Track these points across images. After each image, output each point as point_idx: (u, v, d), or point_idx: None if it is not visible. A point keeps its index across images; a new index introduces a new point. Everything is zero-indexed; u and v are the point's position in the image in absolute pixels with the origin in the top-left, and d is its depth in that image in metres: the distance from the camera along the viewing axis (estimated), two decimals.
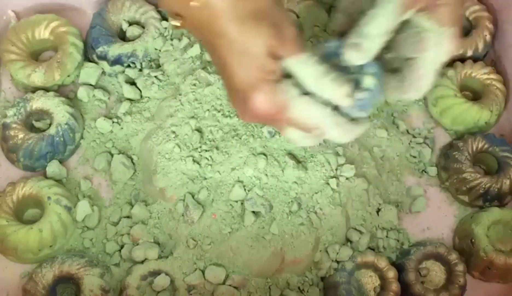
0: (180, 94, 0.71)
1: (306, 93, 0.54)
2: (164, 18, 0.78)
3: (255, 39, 0.50)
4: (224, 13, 0.50)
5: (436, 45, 0.55)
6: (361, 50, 0.53)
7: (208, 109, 0.69)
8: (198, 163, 0.67)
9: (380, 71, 0.55)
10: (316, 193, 0.66)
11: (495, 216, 0.68)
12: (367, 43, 0.53)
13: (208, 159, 0.67)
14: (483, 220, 0.68)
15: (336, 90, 0.53)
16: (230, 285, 0.64)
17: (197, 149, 0.67)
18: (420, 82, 0.56)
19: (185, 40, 0.75)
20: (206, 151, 0.67)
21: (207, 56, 0.73)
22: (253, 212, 0.65)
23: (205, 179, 0.66)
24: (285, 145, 0.67)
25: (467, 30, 0.80)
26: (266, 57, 0.51)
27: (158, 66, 0.75)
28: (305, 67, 0.53)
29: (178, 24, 0.52)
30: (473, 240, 0.67)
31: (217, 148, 0.67)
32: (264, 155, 0.66)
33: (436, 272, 0.67)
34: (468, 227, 0.69)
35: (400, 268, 0.66)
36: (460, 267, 0.66)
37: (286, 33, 0.52)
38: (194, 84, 0.71)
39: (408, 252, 0.67)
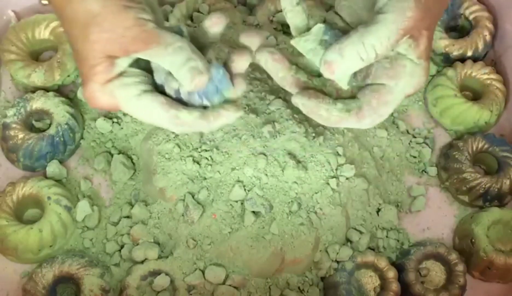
0: None
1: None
2: (165, 18, 0.78)
3: (90, 44, 0.52)
4: (73, 15, 0.52)
5: (410, 76, 0.53)
6: (335, 71, 0.51)
7: None
8: (198, 163, 0.66)
9: (223, 70, 0.55)
10: (316, 193, 0.66)
11: (495, 216, 0.68)
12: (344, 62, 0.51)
13: (208, 159, 0.66)
14: (483, 220, 0.68)
15: (187, 79, 0.53)
16: (230, 285, 0.64)
17: (197, 148, 0.67)
18: (383, 109, 0.53)
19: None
20: (206, 150, 0.67)
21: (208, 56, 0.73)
22: (253, 212, 0.65)
23: (205, 179, 0.66)
24: (285, 145, 0.67)
25: (467, 30, 0.80)
26: (100, 59, 0.52)
27: None
28: (158, 60, 0.53)
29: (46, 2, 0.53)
30: (473, 240, 0.67)
31: (217, 148, 0.67)
32: (264, 154, 0.66)
33: (436, 272, 0.67)
34: (468, 227, 0.69)
35: (400, 268, 0.66)
36: (460, 267, 0.66)
37: (127, 34, 0.52)
38: None
39: (408, 252, 0.67)
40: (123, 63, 0.53)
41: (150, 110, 0.54)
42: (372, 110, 0.53)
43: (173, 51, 0.53)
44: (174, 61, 0.53)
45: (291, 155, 0.67)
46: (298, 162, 0.66)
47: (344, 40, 0.51)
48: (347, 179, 0.67)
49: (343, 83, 0.54)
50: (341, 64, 0.51)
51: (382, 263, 0.65)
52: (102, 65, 0.52)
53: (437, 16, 0.53)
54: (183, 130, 0.55)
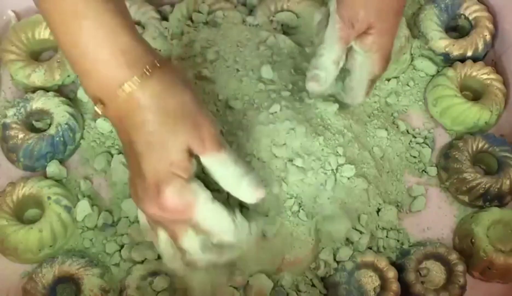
0: None
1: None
2: (164, 18, 0.78)
3: (175, 135, 0.51)
4: (148, 105, 0.51)
5: (361, 66, 0.66)
6: (319, 80, 0.64)
7: (208, 109, 0.69)
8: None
9: None
10: (316, 193, 0.66)
11: (495, 216, 0.68)
12: (323, 73, 0.64)
13: None
14: (483, 220, 0.68)
15: (249, 193, 0.55)
16: (230, 285, 0.64)
17: None
18: (352, 93, 0.68)
19: (185, 40, 0.75)
20: None
21: (209, 56, 0.73)
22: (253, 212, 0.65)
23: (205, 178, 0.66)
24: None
25: (467, 30, 0.80)
26: (183, 154, 0.52)
27: None
28: (223, 166, 0.54)
29: (99, 111, 0.52)
30: (473, 240, 0.67)
31: None
32: None
33: (436, 272, 0.67)
34: (468, 227, 0.69)
35: (400, 268, 0.66)
36: (460, 267, 0.66)
37: (206, 132, 0.53)
38: (195, 83, 0.71)
39: (408, 252, 0.67)
40: (195, 164, 0.53)
41: (220, 216, 0.54)
42: (346, 93, 0.69)
43: (236, 161, 0.53)
44: (236, 172, 0.53)
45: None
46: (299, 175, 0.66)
47: (315, 59, 0.65)
48: (347, 179, 0.67)
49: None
50: (319, 72, 0.65)
51: (382, 263, 0.65)
52: (186, 160, 0.52)
53: (381, 11, 0.63)
54: (225, 257, 0.57)
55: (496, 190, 0.70)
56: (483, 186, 0.70)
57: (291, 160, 0.65)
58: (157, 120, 0.51)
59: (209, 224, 0.54)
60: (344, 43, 0.64)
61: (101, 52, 0.50)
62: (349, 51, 0.65)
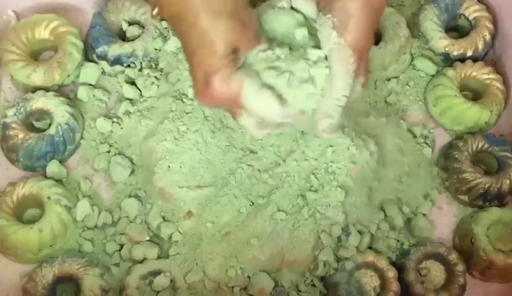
0: (180, 94, 0.71)
1: None
2: (164, 18, 0.78)
3: (224, 32, 0.55)
4: (199, 3, 0.55)
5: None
6: (334, 130, 0.62)
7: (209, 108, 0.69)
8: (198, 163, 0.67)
9: None
10: (316, 193, 0.66)
11: (495, 216, 0.68)
12: (336, 119, 0.62)
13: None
14: (483, 220, 0.68)
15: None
16: (230, 286, 0.64)
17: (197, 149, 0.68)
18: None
19: None
20: (206, 150, 0.67)
21: None
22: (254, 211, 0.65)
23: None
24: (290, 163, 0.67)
25: (467, 30, 0.80)
26: (229, 49, 0.56)
27: (158, 66, 0.75)
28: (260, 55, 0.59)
29: (155, 12, 0.57)
30: (473, 240, 0.67)
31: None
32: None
33: (436, 272, 0.67)
34: (468, 227, 0.69)
35: (400, 268, 0.66)
36: (460, 267, 0.66)
37: (251, 32, 0.58)
38: None
39: (408, 252, 0.67)
40: (241, 59, 0.58)
41: (268, 104, 0.58)
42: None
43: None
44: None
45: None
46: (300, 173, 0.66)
47: (328, 107, 0.61)
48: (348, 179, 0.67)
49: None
50: (335, 122, 0.62)
51: (382, 263, 0.65)
52: (232, 55, 0.56)
53: (372, 34, 0.60)
54: (283, 130, 0.63)
55: (496, 190, 0.70)
56: (483, 186, 0.70)
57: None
58: (207, 18, 0.55)
59: (258, 108, 0.58)
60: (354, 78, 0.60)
61: None
62: None
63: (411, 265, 0.66)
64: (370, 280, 0.66)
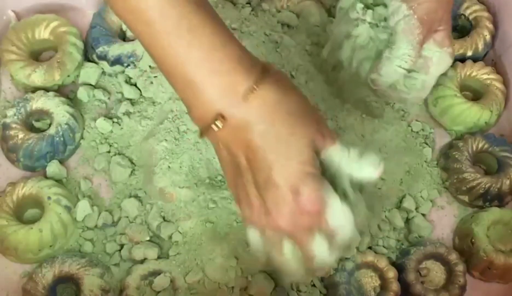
0: None
1: None
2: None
3: (301, 134, 0.50)
4: (271, 109, 0.50)
5: (437, 63, 0.65)
6: (378, 85, 0.65)
7: None
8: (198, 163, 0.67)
9: None
10: None
11: (495, 216, 0.68)
12: (384, 81, 0.65)
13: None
14: (483, 220, 0.68)
15: (372, 170, 0.54)
16: (230, 286, 0.64)
17: (197, 149, 0.68)
18: (422, 91, 0.68)
19: None
20: (206, 150, 0.67)
21: None
22: None
23: (206, 178, 0.67)
24: None
25: (467, 30, 0.80)
26: (311, 151, 0.51)
27: None
28: (342, 153, 0.53)
29: (220, 125, 0.49)
30: (473, 240, 0.67)
31: None
32: None
33: (436, 272, 0.67)
34: (468, 227, 0.69)
35: (400, 268, 0.66)
36: (460, 267, 0.66)
37: (323, 127, 0.53)
38: None
39: (408, 252, 0.67)
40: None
41: (348, 213, 0.53)
42: (414, 96, 0.68)
43: (347, 146, 0.53)
44: (354, 154, 0.53)
45: None
46: None
47: (380, 62, 0.65)
48: None
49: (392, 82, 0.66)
50: (380, 80, 0.65)
51: (382, 263, 0.65)
52: (315, 157, 0.51)
53: (447, 9, 0.63)
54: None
55: (496, 190, 0.70)
56: (483, 186, 0.70)
57: None
58: (281, 122, 0.50)
59: (338, 222, 0.52)
60: (419, 48, 0.63)
61: (216, 62, 0.49)
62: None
63: (411, 265, 0.66)
64: (370, 280, 0.66)
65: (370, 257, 0.66)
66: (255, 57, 0.51)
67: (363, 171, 0.54)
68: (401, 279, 0.66)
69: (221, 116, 0.49)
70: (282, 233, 0.53)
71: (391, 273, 0.65)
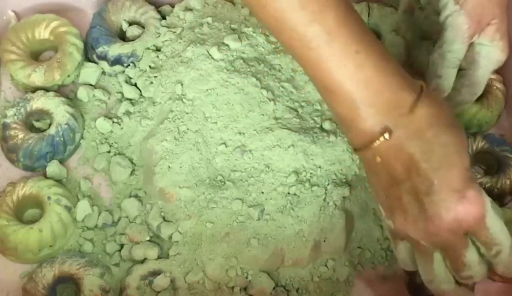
0: (180, 94, 0.71)
1: None
2: (164, 18, 0.78)
3: (461, 137, 0.53)
4: (436, 115, 0.52)
5: (486, 58, 0.64)
6: (444, 91, 0.63)
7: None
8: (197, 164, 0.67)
9: None
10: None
11: (504, 217, 0.68)
12: (447, 82, 0.63)
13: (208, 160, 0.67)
14: None
15: None
16: (231, 286, 0.64)
17: (198, 149, 0.68)
18: (475, 88, 0.66)
19: (185, 39, 0.75)
20: (206, 150, 0.67)
21: (211, 53, 0.72)
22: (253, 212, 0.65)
23: (206, 179, 0.67)
24: (290, 162, 0.67)
25: None
26: (469, 156, 0.53)
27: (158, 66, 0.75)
28: None
29: (387, 138, 0.52)
30: None
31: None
32: (268, 167, 0.66)
33: None
34: None
35: None
36: None
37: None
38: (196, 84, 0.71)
39: None
40: None
41: (502, 224, 0.53)
42: (466, 91, 0.66)
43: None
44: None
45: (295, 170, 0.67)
46: (299, 173, 0.66)
47: (434, 63, 0.64)
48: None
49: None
50: (443, 82, 0.63)
51: None
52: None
53: (500, 2, 0.63)
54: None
55: (496, 190, 0.70)
56: (483, 186, 0.70)
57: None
58: (442, 131, 0.52)
59: (494, 232, 0.53)
60: (468, 42, 0.63)
61: (383, 79, 0.52)
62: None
63: None
64: None
65: None
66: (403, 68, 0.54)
67: None
68: (411, 280, 0.65)
69: (388, 130, 0.51)
70: (437, 243, 0.53)
71: None
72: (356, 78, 0.51)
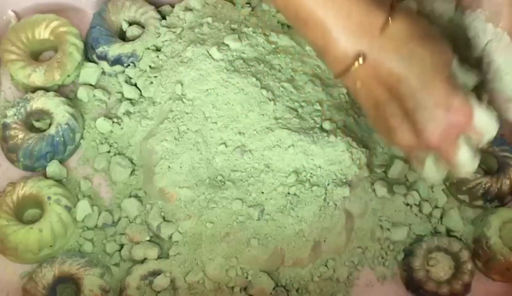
0: (180, 94, 0.71)
1: None
2: (164, 18, 0.78)
3: (440, 48, 0.53)
4: (409, 33, 0.53)
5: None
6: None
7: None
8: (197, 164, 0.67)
9: None
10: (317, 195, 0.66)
11: (505, 217, 0.68)
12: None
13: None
14: (494, 223, 0.68)
15: None
16: (231, 286, 0.64)
17: (198, 149, 0.68)
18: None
19: (185, 39, 0.75)
20: (206, 150, 0.67)
21: (211, 53, 0.72)
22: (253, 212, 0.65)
23: (206, 179, 0.67)
24: (290, 162, 0.67)
25: None
26: (451, 66, 0.53)
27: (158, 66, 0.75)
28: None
29: (361, 62, 0.52)
30: (488, 244, 0.67)
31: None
32: (268, 167, 0.66)
33: (443, 266, 0.67)
34: (480, 232, 0.68)
35: (408, 252, 0.67)
36: (469, 266, 0.66)
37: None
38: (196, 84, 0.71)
39: (421, 239, 0.68)
40: None
41: (490, 112, 0.54)
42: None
43: None
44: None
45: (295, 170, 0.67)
46: (299, 173, 0.66)
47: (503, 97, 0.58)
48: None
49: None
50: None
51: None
52: (456, 72, 0.54)
53: None
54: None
55: (496, 190, 0.70)
56: (483, 186, 0.70)
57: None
58: (419, 46, 0.52)
59: (484, 126, 0.54)
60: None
61: (351, 4, 0.52)
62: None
63: (421, 252, 0.66)
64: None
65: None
66: None
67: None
68: (406, 263, 0.66)
69: (362, 54, 0.52)
70: (430, 150, 0.55)
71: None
72: (326, 4, 0.52)
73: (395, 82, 0.52)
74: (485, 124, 0.54)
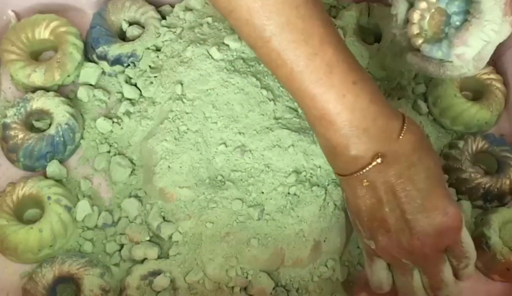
0: (180, 94, 0.71)
1: None
2: (164, 18, 0.78)
3: (437, 161, 0.58)
4: (418, 144, 0.56)
5: (498, 32, 0.62)
6: (464, 61, 0.63)
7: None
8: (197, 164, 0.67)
9: None
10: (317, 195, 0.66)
11: (505, 217, 0.68)
12: (471, 51, 0.63)
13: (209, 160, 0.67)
14: (494, 223, 0.68)
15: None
16: (231, 286, 0.64)
17: (198, 149, 0.67)
18: (479, 62, 0.65)
19: (185, 39, 0.75)
20: (206, 150, 0.67)
21: (211, 53, 0.72)
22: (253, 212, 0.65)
23: (206, 179, 0.67)
24: (290, 162, 0.67)
25: None
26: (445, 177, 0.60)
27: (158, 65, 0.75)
28: None
29: (379, 162, 0.55)
30: (488, 244, 0.67)
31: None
32: (268, 167, 0.66)
33: None
34: (480, 232, 0.68)
35: None
36: None
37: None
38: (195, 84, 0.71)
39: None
40: None
41: (469, 238, 0.58)
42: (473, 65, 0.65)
43: None
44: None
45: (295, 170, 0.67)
46: (299, 173, 0.66)
47: (466, 32, 0.62)
48: None
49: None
50: (470, 52, 0.62)
51: None
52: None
53: None
54: None
55: (496, 190, 0.70)
56: (483, 186, 0.70)
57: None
58: (426, 155, 0.56)
59: (466, 245, 0.58)
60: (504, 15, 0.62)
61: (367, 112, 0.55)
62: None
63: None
64: None
65: None
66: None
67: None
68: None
69: (381, 154, 0.55)
70: (419, 259, 0.57)
71: None
72: (354, 107, 0.54)
73: (401, 183, 0.55)
74: (468, 241, 0.58)
